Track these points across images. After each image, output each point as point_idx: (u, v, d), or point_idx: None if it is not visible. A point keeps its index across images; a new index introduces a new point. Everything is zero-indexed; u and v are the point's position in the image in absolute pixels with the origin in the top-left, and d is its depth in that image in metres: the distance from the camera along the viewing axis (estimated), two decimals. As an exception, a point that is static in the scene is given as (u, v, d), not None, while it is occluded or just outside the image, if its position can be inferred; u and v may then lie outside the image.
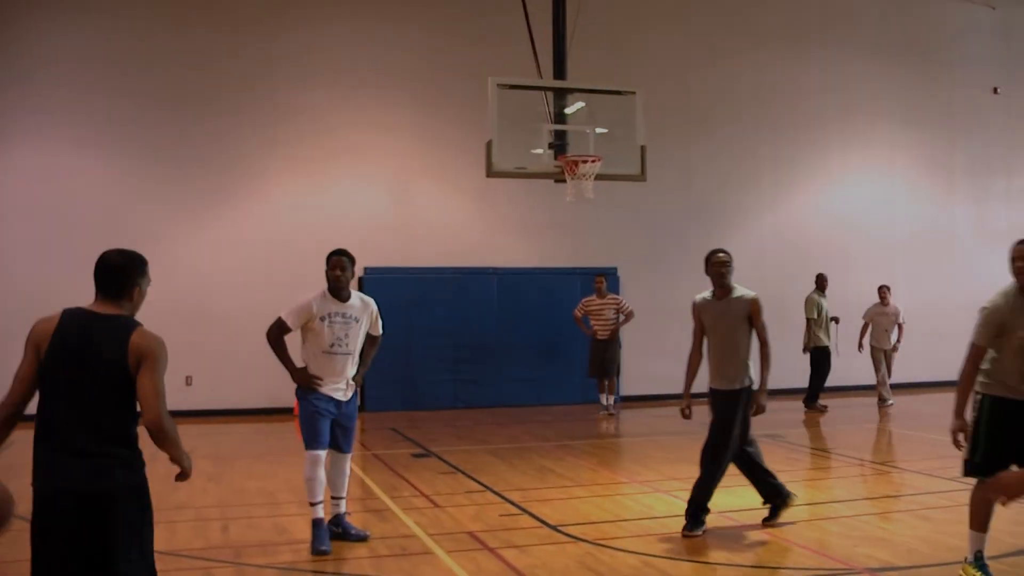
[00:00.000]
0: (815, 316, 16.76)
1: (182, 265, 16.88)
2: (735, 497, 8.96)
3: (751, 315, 8.11)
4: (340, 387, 7.84)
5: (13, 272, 16.20)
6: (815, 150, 20.47)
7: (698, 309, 8.34)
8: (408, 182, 18.11)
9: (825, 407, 16.59)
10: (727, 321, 8.17)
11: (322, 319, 7.74)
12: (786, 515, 8.38)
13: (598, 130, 13.21)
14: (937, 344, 18.20)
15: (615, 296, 16.91)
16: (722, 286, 8.21)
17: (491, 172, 13.04)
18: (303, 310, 7.76)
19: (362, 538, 7.83)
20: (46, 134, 16.59)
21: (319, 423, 7.68)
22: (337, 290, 7.86)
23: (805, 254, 19.59)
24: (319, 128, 17.65)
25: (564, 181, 13.39)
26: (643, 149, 13.44)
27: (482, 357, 18.00)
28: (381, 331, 8.28)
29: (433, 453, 12.47)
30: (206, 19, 17.28)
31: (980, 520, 6.36)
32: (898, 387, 17.72)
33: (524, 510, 8.99)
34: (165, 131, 16.97)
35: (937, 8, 21.53)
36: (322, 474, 7.70)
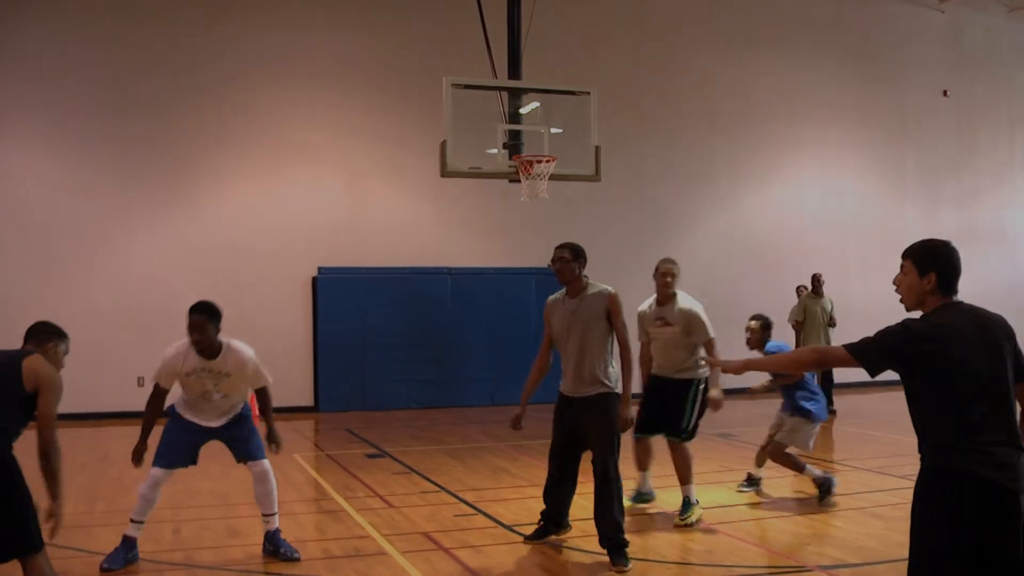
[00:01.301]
0: (801, 319, 16.60)
1: (133, 265, 16.76)
2: (704, 496, 9.00)
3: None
4: (214, 423, 7.46)
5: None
6: (768, 151, 20.63)
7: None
8: (362, 182, 18.05)
9: (833, 411, 16.28)
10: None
11: (188, 374, 7.26)
12: (736, 513, 8.43)
13: (553, 130, 13.22)
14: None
15: None
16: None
17: (445, 172, 13.00)
18: (167, 368, 7.30)
19: (292, 559, 7.29)
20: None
21: (175, 439, 7.33)
22: (199, 352, 7.25)
23: (758, 254, 19.79)
24: (272, 127, 17.57)
25: (519, 181, 13.38)
26: (597, 149, 13.47)
27: (436, 357, 17.96)
28: (267, 380, 7.63)
29: (387, 453, 12.44)
30: (159, 16, 17.14)
31: None
32: (849, 387, 17.85)
33: (479, 510, 8.99)
34: (116, 129, 16.85)
35: (887, 11, 21.79)
36: (156, 494, 7.31)
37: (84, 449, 13.32)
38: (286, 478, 11.01)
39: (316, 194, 17.76)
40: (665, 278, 8.62)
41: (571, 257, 7.43)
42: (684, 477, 8.54)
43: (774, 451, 9.30)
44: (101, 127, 16.78)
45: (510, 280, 18.46)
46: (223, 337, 7.26)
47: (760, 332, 9.29)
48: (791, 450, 9.36)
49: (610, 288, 7.46)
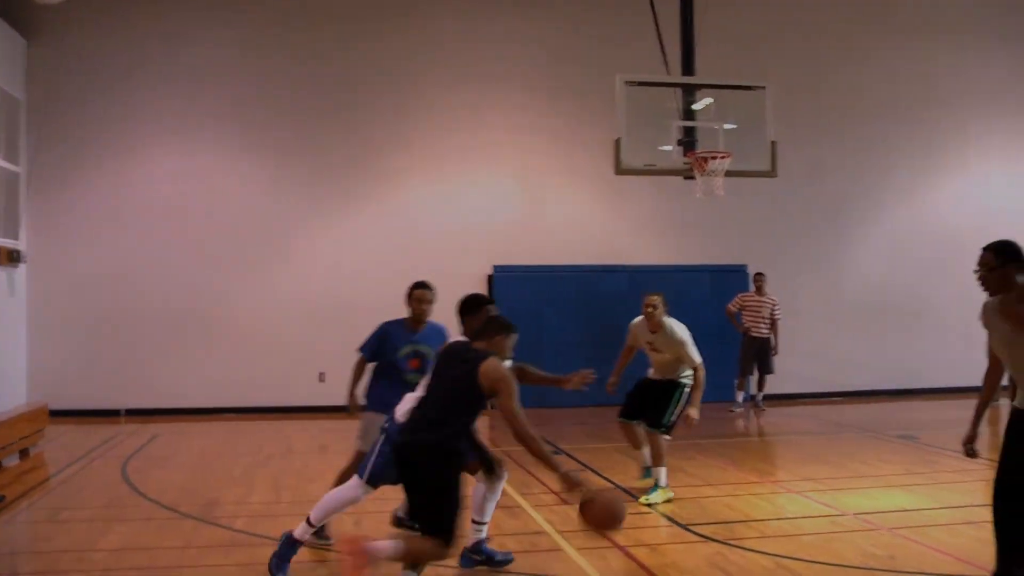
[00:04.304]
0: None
1: (316, 262, 17.33)
2: (869, 499, 8.80)
3: None
4: None
5: (155, 273, 16.87)
6: (951, 142, 19.82)
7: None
8: (538, 180, 18.18)
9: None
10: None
11: None
12: (921, 517, 8.16)
13: (727, 126, 13.08)
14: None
15: (772, 297, 16.67)
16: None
17: (620, 169, 13.01)
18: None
19: (508, 560, 7.22)
20: (183, 137, 17.20)
21: None
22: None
23: (942, 248, 19.04)
24: (449, 128, 17.87)
25: (693, 178, 13.29)
26: (773, 144, 13.26)
27: (613, 355, 17.83)
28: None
29: (562, 450, 12.50)
30: (341, 28, 17.68)
31: None
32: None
33: (654, 509, 8.97)
34: (304, 132, 17.52)
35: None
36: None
37: (269, 441, 13.84)
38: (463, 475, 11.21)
39: (492, 193, 17.98)
40: (647, 309, 9.58)
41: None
42: (658, 460, 9.43)
43: None
44: (291, 131, 17.43)
45: (686, 277, 18.28)
46: None
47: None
48: None
49: None
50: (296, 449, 12.98)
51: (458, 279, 17.45)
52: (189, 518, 8.80)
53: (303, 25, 17.60)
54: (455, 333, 7.22)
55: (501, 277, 17.60)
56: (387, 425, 6.77)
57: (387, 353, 8.07)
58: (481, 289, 17.61)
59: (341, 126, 17.59)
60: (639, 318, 9.84)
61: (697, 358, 9.42)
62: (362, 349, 8.23)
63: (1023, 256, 5.66)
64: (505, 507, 9.15)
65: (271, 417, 16.47)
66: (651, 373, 9.92)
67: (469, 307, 7.24)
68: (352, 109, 17.64)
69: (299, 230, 17.40)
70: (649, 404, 9.69)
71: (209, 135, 17.29)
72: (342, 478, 7.63)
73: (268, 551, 6.94)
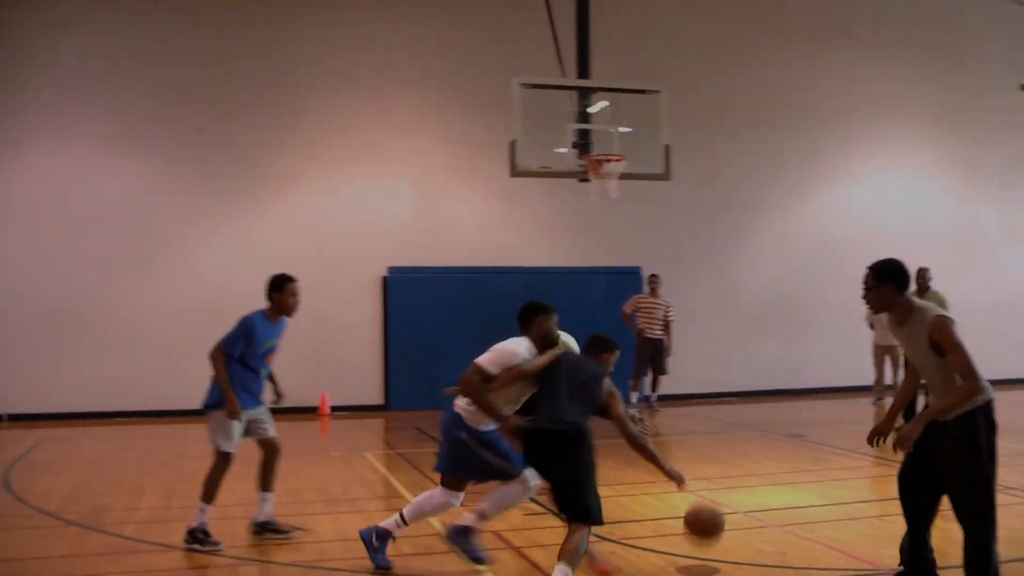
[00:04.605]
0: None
1: (205, 262, 17.07)
2: (760, 497, 8.94)
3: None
4: None
5: (34, 272, 16.41)
6: (839, 147, 20.36)
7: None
8: (432, 182, 18.14)
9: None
10: None
11: None
12: (809, 514, 8.31)
13: (622, 129, 13.20)
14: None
15: (666, 299, 16.84)
16: None
17: (515, 172, 13.05)
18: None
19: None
20: (64, 134, 16.76)
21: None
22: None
23: (828, 251, 19.52)
24: (343, 130, 17.74)
25: (588, 180, 13.37)
26: (667, 148, 13.42)
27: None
28: None
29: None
30: (233, 22, 17.42)
31: None
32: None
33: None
34: (189, 131, 17.17)
35: (961, 4, 21.34)
36: None
37: (159, 446, 13.55)
38: (357, 476, 11.12)
39: (387, 195, 17.89)
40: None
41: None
42: None
43: None
44: (175, 130, 17.09)
45: (581, 279, 18.42)
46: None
47: None
48: None
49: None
50: (187, 453, 12.69)
51: (352, 280, 17.46)
52: (75, 525, 8.56)
53: (190, 25, 17.27)
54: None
55: (395, 279, 17.51)
56: (451, 417, 6.96)
57: (250, 349, 7.92)
58: (375, 291, 17.51)
59: (230, 127, 17.31)
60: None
61: None
62: (230, 346, 7.95)
63: (900, 275, 6.07)
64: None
65: (162, 421, 16.12)
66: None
67: (527, 314, 7.37)
68: (241, 109, 17.38)
69: (187, 230, 17.08)
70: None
71: (90, 132, 16.87)
72: (209, 484, 7.76)
73: (159, 557, 6.79)
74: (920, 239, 20.08)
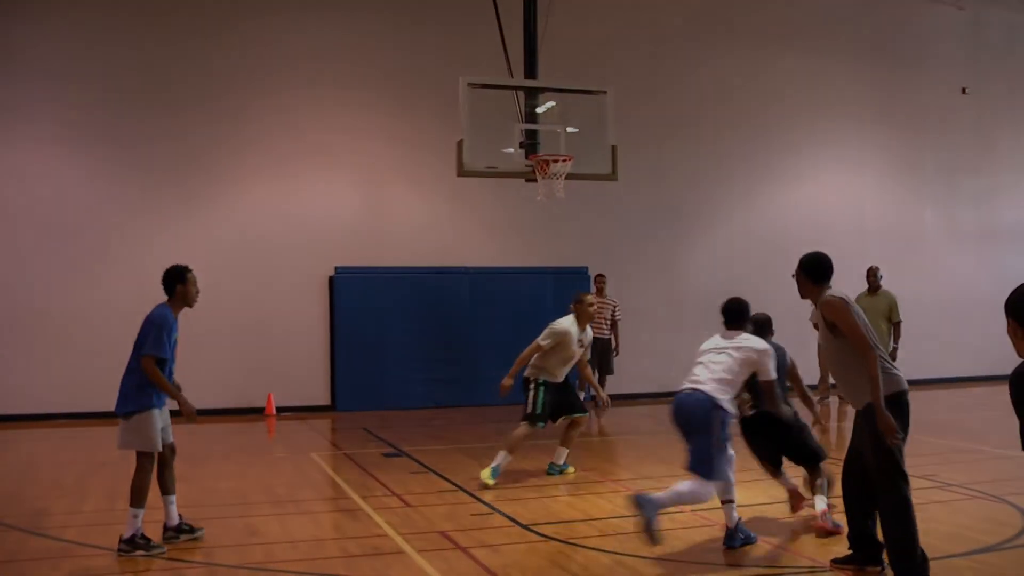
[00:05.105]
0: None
1: (148, 262, 16.69)
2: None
3: None
4: None
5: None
6: (785, 149, 20.57)
7: None
8: (379, 182, 18.07)
9: None
10: None
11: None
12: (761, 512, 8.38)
13: (569, 129, 13.22)
14: (905, 343, 18.33)
15: (612, 299, 16.94)
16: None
17: (462, 172, 13.03)
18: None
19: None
20: (12, 134, 16.47)
21: None
22: None
23: (775, 251, 19.65)
24: (288, 128, 17.61)
25: (535, 180, 13.39)
26: (614, 148, 13.46)
27: (453, 357, 17.96)
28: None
29: (404, 452, 12.45)
30: (178, 18, 17.22)
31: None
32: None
33: (496, 509, 8.98)
34: (134, 129, 16.92)
35: (906, 8, 21.68)
36: None
37: (102, 448, 13.37)
38: (304, 477, 11.05)
39: (333, 195, 17.79)
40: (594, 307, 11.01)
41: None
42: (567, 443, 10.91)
43: None
44: (119, 127, 16.85)
45: (527, 279, 18.45)
46: None
47: None
48: None
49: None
50: (131, 455, 12.54)
51: (299, 280, 17.34)
52: (15, 529, 8.42)
53: (134, 24, 17.02)
54: None
55: (342, 278, 17.42)
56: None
57: (168, 344, 7.96)
58: (322, 291, 17.41)
59: (174, 127, 17.08)
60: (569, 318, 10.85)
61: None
62: (159, 350, 7.92)
63: (816, 267, 6.68)
64: (346, 510, 9.06)
65: (105, 423, 15.88)
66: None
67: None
68: (186, 110, 17.17)
69: (129, 230, 16.85)
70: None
71: (30, 129, 16.55)
72: (138, 489, 7.72)
73: (102, 561, 6.70)
74: (866, 239, 20.37)
